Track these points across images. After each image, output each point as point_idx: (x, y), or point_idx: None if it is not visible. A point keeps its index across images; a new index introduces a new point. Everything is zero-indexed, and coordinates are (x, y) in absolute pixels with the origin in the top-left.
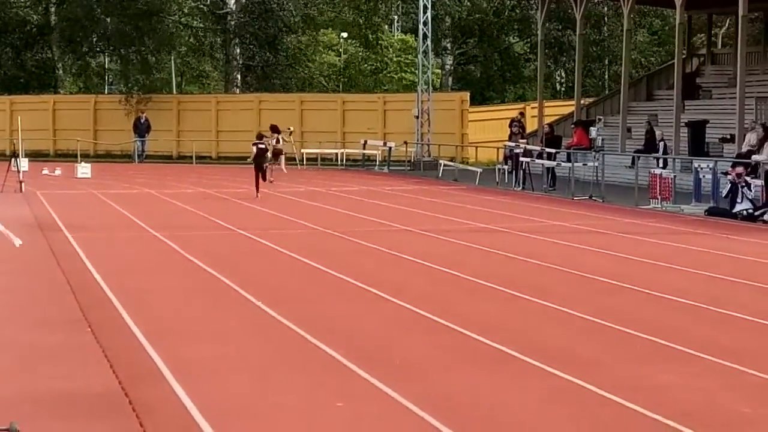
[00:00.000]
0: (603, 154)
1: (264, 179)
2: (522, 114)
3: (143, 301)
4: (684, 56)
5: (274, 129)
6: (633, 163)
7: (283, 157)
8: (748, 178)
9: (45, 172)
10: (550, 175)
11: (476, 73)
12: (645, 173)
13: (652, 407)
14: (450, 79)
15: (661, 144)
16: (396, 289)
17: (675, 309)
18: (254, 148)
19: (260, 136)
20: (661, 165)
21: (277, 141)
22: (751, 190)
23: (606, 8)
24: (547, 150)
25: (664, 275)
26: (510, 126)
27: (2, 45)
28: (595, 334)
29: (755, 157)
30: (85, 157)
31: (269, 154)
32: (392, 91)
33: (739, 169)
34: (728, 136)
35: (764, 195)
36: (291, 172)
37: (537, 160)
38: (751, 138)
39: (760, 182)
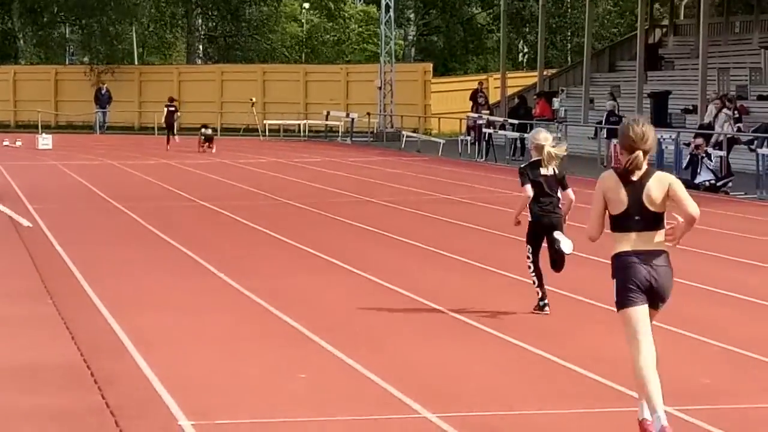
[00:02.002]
0: (566, 125)
1: (173, 135)
2: (482, 84)
3: (105, 272)
4: (646, 27)
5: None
6: (596, 134)
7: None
8: (708, 149)
9: (6, 143)
10: (513, 146)
11: (439, 43)
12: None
13: (614, 377)
14: (413, 50)
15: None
16: (358, 260)
17: None
18: (165, 110)
19: (171, 99)
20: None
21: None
22: (711, 161)
23: None
24: (510, 121)
25: None
26: (475, 97)
27: None
28: (557, 304)
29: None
30: (47, 128)
31: (178, 114)
32: (355, 62)
33: (699, 141)
34: (690, 107)
35: (724, 166)
36: (253, 143)
37: (500, 132)
38: (713, 109)
39: (721, 153)
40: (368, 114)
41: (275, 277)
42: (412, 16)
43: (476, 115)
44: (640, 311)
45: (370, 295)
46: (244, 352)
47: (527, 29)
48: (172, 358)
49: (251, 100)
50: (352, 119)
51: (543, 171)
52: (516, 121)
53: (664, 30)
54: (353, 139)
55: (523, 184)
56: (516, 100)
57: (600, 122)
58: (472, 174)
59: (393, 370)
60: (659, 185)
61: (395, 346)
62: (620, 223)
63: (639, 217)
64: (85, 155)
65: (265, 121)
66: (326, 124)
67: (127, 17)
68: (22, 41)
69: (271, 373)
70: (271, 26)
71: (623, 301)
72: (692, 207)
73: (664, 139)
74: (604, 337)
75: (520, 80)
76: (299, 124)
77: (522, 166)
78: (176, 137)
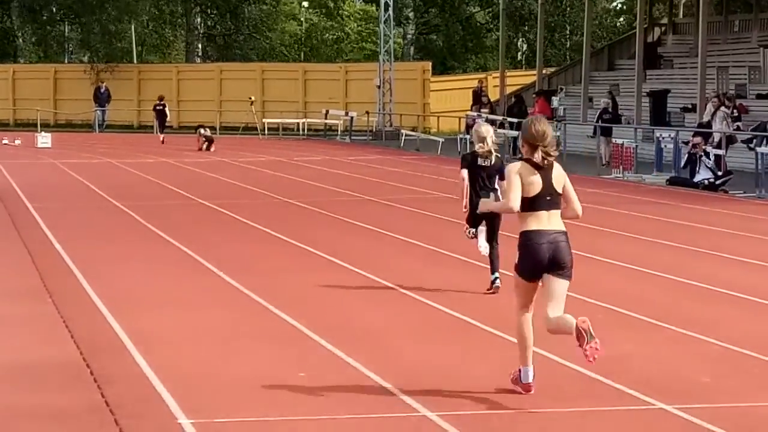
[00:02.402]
0: (565, 123)
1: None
2: (482, 83)
3: (104, 270)
4: (645, 26)
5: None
6: (595, 132)
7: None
8: (707, 147)
9: (5, 141)
10: (512, 145)
11: (438, 42)
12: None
13: (615, 376)
14: (412, 48)
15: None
16: (358, 259)
17: (636, 278)
18: (155, 111)
19: (161, 98)
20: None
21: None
22: (710, 159)
23: None
24: (509, 119)
25: (626, 245)
26: (480, 96)
27: None
28: None
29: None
30: (46, 126)
31: (167, 110)
32: (354, 61)
33: (697, 139)
34: (689, 106)
35: (723, 164)
36: (252, 141)
37: (500, 130)
38: (711, 108)
39: (720, 152)
40: (367, 113)
41: (275, 276)
42: (411, 14)
43: (476, 114)
44: (531, 286)
45: (370, 293)
46: (243, 350)
47: (526, 27)
48: (171, 356)
49: (250, 98)
50: (351, 118)
51: (481, 162)
52: (515, 120)
53: (663, 28)
54: (352, 137)
55: (461, 169)
56: (512, 99)
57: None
58: None
59: (392, 369)
60: (560, 176)
61: (395, 345)
62: (533, 204)
63: (549, 197)
64: (84, 154)
65: (264, 120)
66: (325, 123)
67: (127, 15)
68: (21, 40)
69: (271, 372)
70: (270, 25)
71: (522, 272)
72: (579, 206)
73: (663, 138)
74: (602, 337)
75: (519, 79)
76: (298, 123)
77: (465, 153)
78: (161, 135)
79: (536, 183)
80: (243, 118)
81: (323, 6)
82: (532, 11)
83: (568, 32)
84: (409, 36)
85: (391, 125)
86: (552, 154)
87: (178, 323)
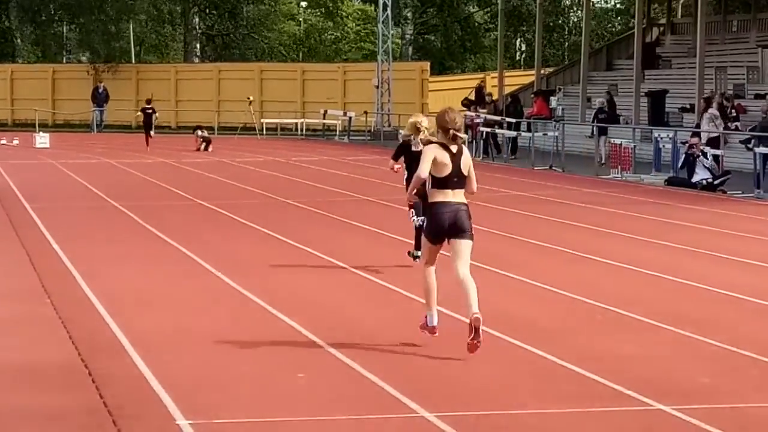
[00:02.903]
0: (563, 123)
1: (150, 137)
2: (482, 82)
3: (103, 271)
4: (644, 26)
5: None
6: (593, 133)
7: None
8: (704, 148)
9: (3, 142)
10: (510, 145)
11: (436, 42)
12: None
13: (613, 377)
14: (410, 48)
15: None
16: (357, 260)
17: (635, 279)
18: (142, 113)
19: (148, 101)
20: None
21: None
22: (708, 159)
23: None
24: (508, 120)
25: (624, 245)
26: (483, 96)
27: None
28: (555, 304)
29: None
30: (44, 126)
31: (156, 115)
32: (352, 61)
33: (694, 140)
34: (688, 106)
35: (721, 164)
36: (251, 141)
37: (498, 130)
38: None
39: (718, 152)
40: (365, 113)
41: (273, 276)
42: (409, 14)
43: (473, 114)
44: (435, 247)
45: (369, 294)
46: (242, 351)
47: (525, 27)
48: (169, 357)
49: (249, 98)
50: (350, 118)
51: (414, 148)
52: (513, 120)
53: (662, 29)
54: (350, 137)
55: (394, 159)
56: (508, 99)
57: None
58: None
59: (391, 370)
60: (467, 161)
61: (392, 346)
62: (443, 183)
63: (457, 179)
64: (82, 154)
65: (262, 120)
66: (323, 123)
67: (125, 15)
68: (19, 40)
69: (270, 373)
70: (269, 25)
71: (428, 235)
72: (475, 186)
73: (661, 138)
74: (601, 336)
75: (518, 79)
76: (296, 123)
77: (399, 144)
78: (152, 135)
79: (448, 165)
80: (241, 119)
81: (322, 6)
82: (530, 11)
83: (566, 32)
84: (408, 36)
85: (389, 125)
86: (461, 136)
87: (177, 324)
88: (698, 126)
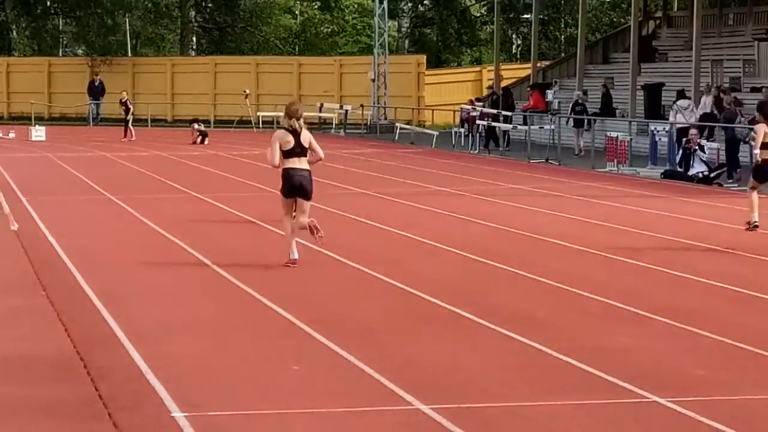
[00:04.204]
0: (559, 117)
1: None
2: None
3: (98, 264)
4: (640, 19)
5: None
6: (589, 126)
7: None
8: (701, 141)
9: None
10: (506, 138)
11: (432, 35)
12: (601, 136)
13: (609, 370)
14: (406, 42)
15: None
16: (352, 252)
17: (630, 271)
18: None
19: (125, 97)
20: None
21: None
22: (705, 153)
23: None
24: (504, 113)
25: (620, 238)
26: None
27: None
28: (550, 296)
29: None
30: (40, 120)
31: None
32: (348, 54)
33: (693, 131)
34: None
35: (717, 158)
36: (247, 135)
37: (494, 123)
38: (707, 101)
39: (715, 145)
40: (362, 106)
41: (268, 269)
42: (405, 7)
43: (470, 107)
44: (289, 201)
45: (364, 286)
46: (237, 343)
47: (521, 20)
48: (165, 349)
49: (245, 92)
50: (346, 111)
51: (292, 129)
52: (510, 113)
53: (658, 22)
54: (347, 131)
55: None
56: (500, 92)
57: (594, 113)
58: (466, 166)
59: (386, 362)
60: (306, 137)
61: (388, 338)
62: (290, 154)
63: (299, 150)
64: (78, 147)
65: (258, 113)
66: (320, 116)
67: (121, 9)
68: (15, 33)
69: (264, 365)
70: (265, 18)
71: (283, 193)
72: (321, 153)
73: (657, 131)
74: (595, 328)
75: (514, 72)
76: None
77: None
78: (131, 131)
79: (291, 142)
80: (237, 112)
81: None
82: (527, 4)
83: (562, 25)
84: (404, 29)
85: (385, 118)
86: (300, 122)
87: (172, 316)
88: (702, 117)
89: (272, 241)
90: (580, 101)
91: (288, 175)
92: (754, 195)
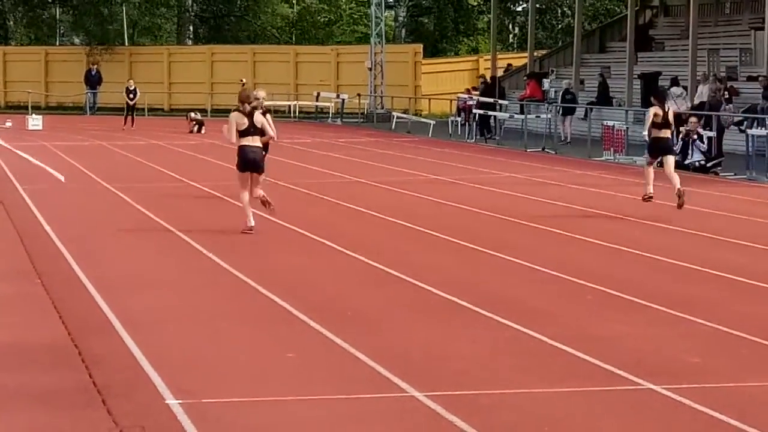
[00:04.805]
0: (555, 106)
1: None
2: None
3: (94, 252)
4: (637, 8)
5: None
6: (586, 115)
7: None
8: (700, 130)
9: None
10: (496, 126)
11: (429, 25)
12: (598, 125)
13: (604, 357)
14: (403, 31)
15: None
16: (349, 241)
17: (627, 260)
18: (126, 94)
19: (132, 85)
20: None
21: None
22: (703, 142)
23: None
24: (501, 102)
25: (616, 226)
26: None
27: None
28: (546, 284)
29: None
30: (37, 109)
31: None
32: (345, 43)
33: (693, 120)
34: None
35: (714, 147)
36: None
37: (490, 112)
38: (703, 90)
39: (711, 134)
40: (358, 95)
41: (264, 257)
42: None
43: (466, 96)
44: (244, 176)
45: (358, 274)
46: (231, 331)
47: (519, 9)
48: (159, 337)
49: (241, 81)
50: (343, 100)
51: (245, 112)
52: (506, 102)
53: (655, 11)
54: (344, 120)
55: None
56: (489, 81)
57: (591, 103)
58: (462, 155)
59: (381, 349)
60: (258, 119)
61: (383, 326)
62: (244, 133)
63: (253, 130)
64: (75, 136)
65: None
66: (316, 105)
67: None
68: (12, 22)
69: (259, 353)
70: (262, 7)
71: (238, 167)
72: (272, 131)
73: None
74: (591, 317)
75: (511, 61)
76: (289, 106)
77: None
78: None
79: (245, 123)
80: (234, 101)
81: None
82: None
83: (559, 14)
84: (401, 18)
85: (382, 108)
86: (254, 106)
87: (167, 304)
88: (699, 107)
89: (264, 230)
90: (570, 89)
91: (243, 151)
92: (650, 170)
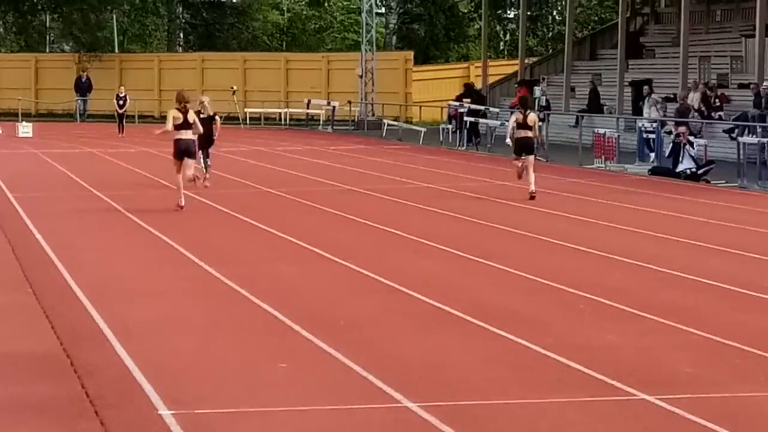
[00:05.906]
0: (546, 113)
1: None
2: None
3: (85, 261)
4: (628, 15)
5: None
6: (577, 122)
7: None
8: (690, 137)
9: None
10: (478, 135)
11: (420, 32)
12: (589, 132)
13: (596, 367)
14: (394, 38)
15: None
16: (340, 250)
17: (618, 269)
18: (116, 101)
19: (122, 92)
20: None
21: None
22: (693, 149)
23: None
24: (492, 109)
25: (607, 235)
26: (473, 92)
27: None
28: (538, 294)
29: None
30: (27, 116)
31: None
32: (336, 51)
33: (682, 129)
34: (671, 96)
35: (705, 154)
36: (234, 131)
37: (482, 120)
38: (694, 97)
39: (703, 141)
40: (349, 102)
41: (256, 266)
42: (393, 4)
43: (457, 104)
44: (179, 162)
45: (351, 283)
46: (224, 341)
47: (509, 16)
48: (152, 347)
49: (232, 88)
50: (333, 108)
51: (202, 116)
52: (496, 109)
53: (646, 18)
54: (334, 127)
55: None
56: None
57: (581, 110)
58: (453, 162)
59: (374, 360)
60: (191, 115)
61: (376, 336)
62: (179, 127)
63: (186, 126)
64: (65, 143)
65: (245, 110)
66: (307, 113)
67: (108, 4)
68: (2, 29)
69: (252, 363)
70: (253, 14)
71: (175, 156)
72: (201, 128)
73: (645, 128)
74: (585, 326)
75: (502, 68)
76: (280, 113)
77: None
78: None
79: (180, 118)
80: (225, 108)
81: None
82: (513, 1)
83: (550, 21)
84: (392, 25)
85: (373, 115)
86: (188, 107)
87: (159, 313)
88: (683, 113)
89: (256, 239)
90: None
91: (178, 142)
92: (521, 167)
